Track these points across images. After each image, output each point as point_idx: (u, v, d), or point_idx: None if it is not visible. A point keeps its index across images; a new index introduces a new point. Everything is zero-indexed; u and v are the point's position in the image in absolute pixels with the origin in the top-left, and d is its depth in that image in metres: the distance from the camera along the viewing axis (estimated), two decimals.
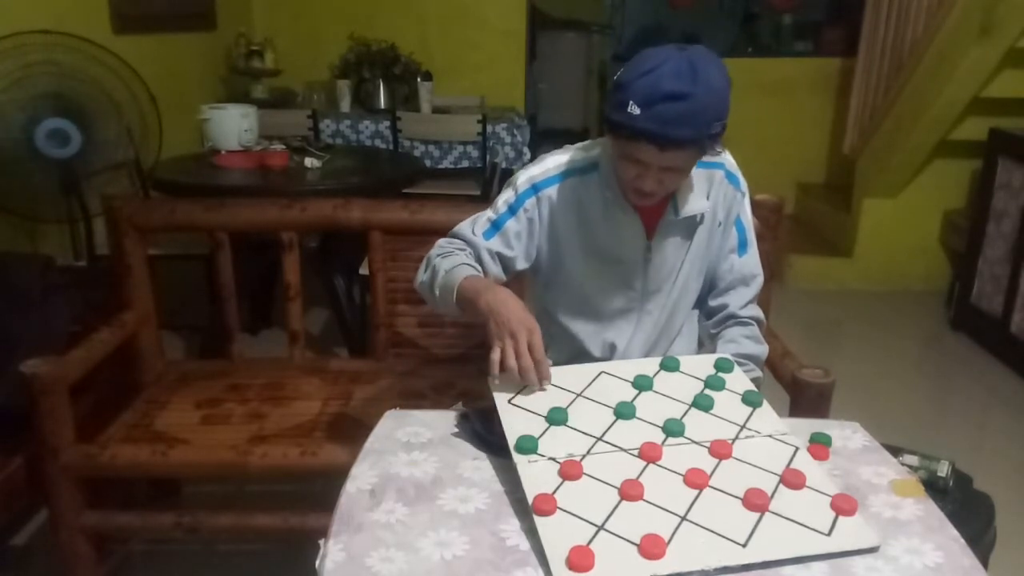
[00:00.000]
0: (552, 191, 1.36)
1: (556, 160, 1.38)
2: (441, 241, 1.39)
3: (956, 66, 3.32)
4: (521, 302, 1.18)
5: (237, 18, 4.39)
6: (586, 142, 1.41)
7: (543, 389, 1.16)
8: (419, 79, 3.96)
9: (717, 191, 1.39)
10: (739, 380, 1.24)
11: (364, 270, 2.47)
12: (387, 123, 3.72)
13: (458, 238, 1.38)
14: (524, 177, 1.37)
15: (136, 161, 3.08)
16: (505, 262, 1.37)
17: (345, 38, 4.18)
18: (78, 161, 2.30)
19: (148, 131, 2.75)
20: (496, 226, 1.36)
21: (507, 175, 3.93)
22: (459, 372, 1.98)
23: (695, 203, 1.35)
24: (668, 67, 1.14)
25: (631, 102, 1.14)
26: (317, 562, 0.91)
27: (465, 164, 3.77)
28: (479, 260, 1.34)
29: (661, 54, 1.16)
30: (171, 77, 3.67)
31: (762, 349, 1.43)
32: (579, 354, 1.44)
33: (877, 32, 3.91)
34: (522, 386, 1.18)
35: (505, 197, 1.38)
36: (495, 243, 1.35)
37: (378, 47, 4.09)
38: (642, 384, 1.20)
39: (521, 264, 1.39)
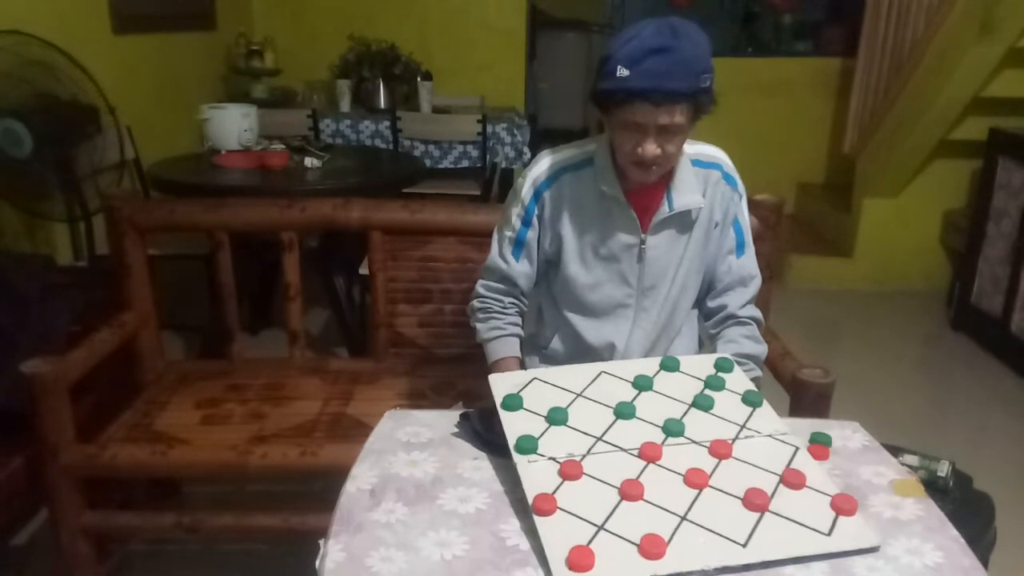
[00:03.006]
0: (551, 191, 1.39)
1: (551, 159, 1.41)
2: (480, 288, 1.49)
3: (956, 66, 3.32)
4: None
5: (237, 18, 4.39)
6: (581, 139, 1.44)
7: None
8: (419, 79, 3.96)
9: (714, 191, 1.40)
10: (739, 380, 1.24)
11: (364, 270, 2.47)
12: (387, 123, 3.72)
13: (495, 275, 1.47)
14: (527, 185, 1.42)
15: (136, 161, 3.08)
16: (534, 269, 1.47)
17: (345, 38, 4.18)
18: (35, 162, 2.28)
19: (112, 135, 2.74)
20: (519, 243, 1.44)
21: (507, 175, 3.98)
22: (459, 372, 1.98)
23: (690, 197, 1.36)
24: (649, 30, 1.20)
25: (619, 66, 1.19)
26: (317, 562, 0.91)
27: (465, 164, 3.77)
28: (523, 290, 1.48)
29: (638, 25, 1.22)
30: (171, 77, 3.68)
31: (761, 349, 1.44)
32: (582, 349, 1.46)
33: (877, 32, 3.91)
34: (523, 384, 1.18)
35: (516, 210, 1.43)
36: (524, 265, 1.46)
37: (378, 47, 4.08)
38: (642, 384, 1.20)
39: (542, 263, 1.48)
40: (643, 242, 1.37)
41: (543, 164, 1.41)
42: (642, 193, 1.36)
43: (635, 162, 1.28)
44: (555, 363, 1.48)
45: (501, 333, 1.46)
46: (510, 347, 1.46)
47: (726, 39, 5.86)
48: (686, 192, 1.36)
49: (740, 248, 1.45)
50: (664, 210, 1.36)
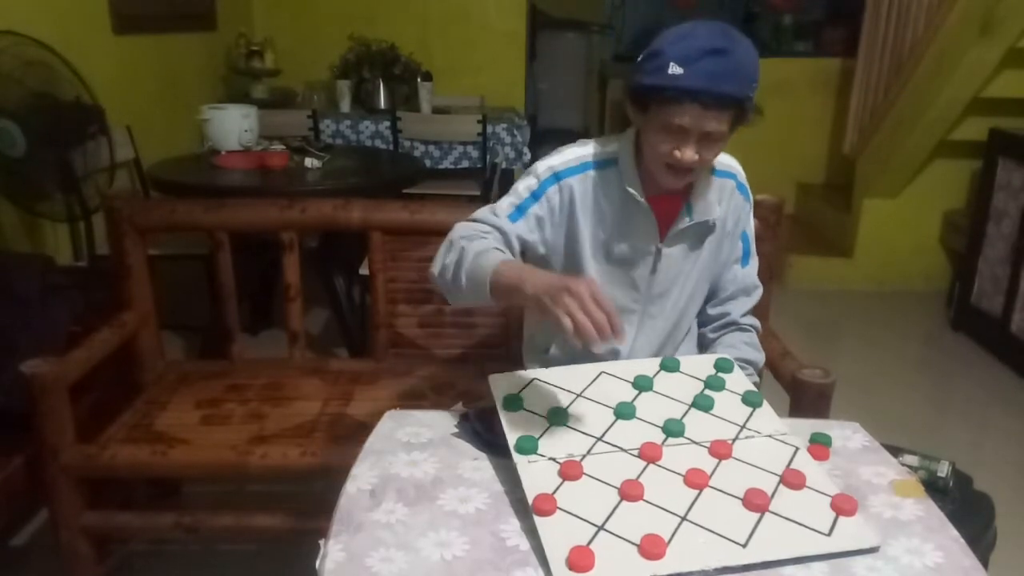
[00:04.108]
0: (574, 181, 1.32)
1: (576, 152, 1.34)
2: (460, 225, 1.29)
3: (956, 66, 3.32)
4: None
5: (237, 18, 4.39)
6: (602, 137, 1.38)
7: (620, 342, 1.08)
8: (419, 79, 3.96)
9: (729, 200, 1.38)
10: (739, 380, 1.24)
11: (364, 270, 2.47)
12: (387, 123, 3.72)
13: (479, 221, 1.30)
14: (544, 166, 1.33)
15: (136, 161, 3.09)
16: (528, 247, 1.34)
17: (345, 38, 4.18)
18: (31, 162, 2.28)
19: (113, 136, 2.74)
20: (520, 210, 1.32)
21: (507, 175, 3.97)
22: (459, 372, 1.98)
23: (709, 208, 1.34)
24: (702, 29, 1.14)
25: (671, 63, 1.13)
26: (317, 562, 0.91)
27: (465, 164, 3.77)
28: (507, 245, 1.29)
29: (687, 24, 1.16)
30: (171, 77, 3.68)
31: (760, 356, 1.45)
32: (584, 353, 1.43)
33: (877, 32, 3.91)
34: (523, 384, 1.18)
35: (526, 183, 1.33)
36: (521, 227, 1.31)
37: (378, 47, 4.08)
38: (642, 384, 1.20)
39: (540, 250, 1.36)
40: (659, 252, 1.35)
41: (566, 155, 1.34)
42: (663, 200, 1.32)
43: (669, 165, 1.23)
44: (558, 363, 1.47)
45: (495, 246, 1.22)
46: (510, 257, 1.22)
47: None
48: (706, 203, 1.33)
49: (745, 257, 1.45)
50: (684, 220, 1.33)
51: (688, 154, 1.20)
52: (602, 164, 1.33)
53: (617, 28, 6.41)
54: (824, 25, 5.18)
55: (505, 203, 1.33)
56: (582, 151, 1.35)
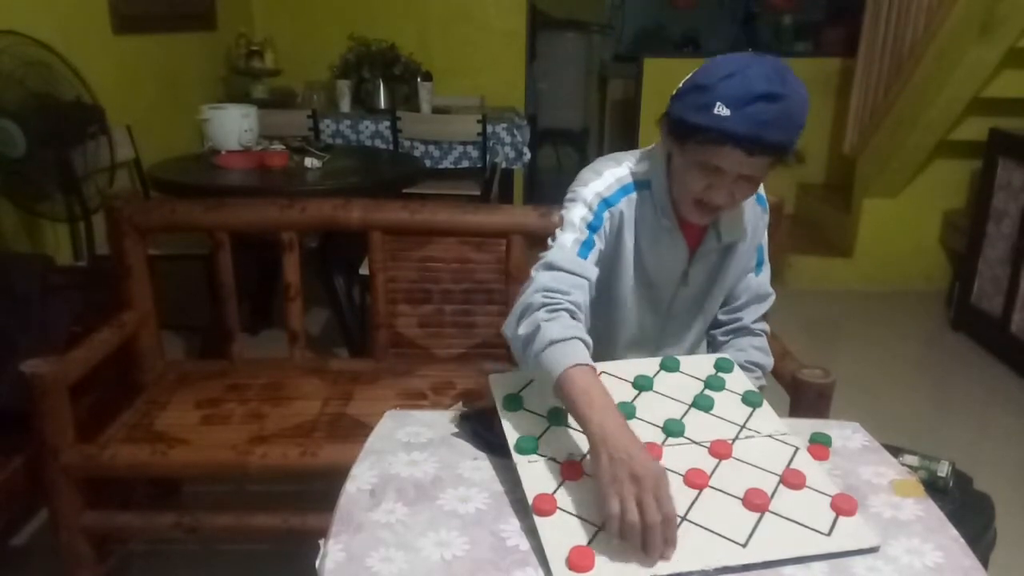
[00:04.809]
0: (620, 207, 1.28)
1: (615, 173, 1.29)
2: (544, 279, 1.18)
3: (956, 66, 3.32)
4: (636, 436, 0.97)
5: (237, 18, 4.39)
6: (635, 152, 1.34)
7: (665, 558, 0.89)
8: (419, 79, 3.96)
9: (751, 214, 1.36)
10: (739, 380, 1.24)
11: (364, 270, 2.48)
12: (387, 123, 3.72)
13: (562, 270, 1.20)
14: (591, 193, 1.27)
15: (136, 161, 3.09)
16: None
17: (345, 38, 4.18)
18: (31, 161, 2.28)
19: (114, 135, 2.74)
20: (587, 246, 1.24)
21: (507, 175, 3.96)
22: (459, 372, 1.98)
23: (737, 229, 1.32)
24: (755, 69, 1.08)
25: (718, 103, 1.07)
26: (317, 562, 0.91)
27: (465, 164, 3.78)
28: (587, 288, 1.21)
29: (740, 59, 1.10)
30: (171, 77, 3.68)
31: (769, 361, 1.44)
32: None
33: (877, 32, 3.91)
34: (523, 384, 1.18)
35: (579, 214, 1.25)
36: (592, 267, 1.23)
37: (378, 47, 4.09)
38: (642, 384, 1.20)
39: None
40: (686, 275, 1.34)
41: (607, 178, 1.28)
42: (693, 224, 1.30)
43: (699, 202, 1.20)
44: None
45: (576, 335, 1.09)
46: (586, 354, 1.08)
47: (726, 39, 5.86)
48: (734, 223, 1.31)
49: (759, 265, 1.43)
50: (711, 243, 1.32)
51: (721, 196, 1.17)
52: (639, 185, 1.29)
53: (617, 28, 6.41)
54: (824, 25, 5.18)
55: (569, 240, 1.23)
56: (620, 171, 1.29)
